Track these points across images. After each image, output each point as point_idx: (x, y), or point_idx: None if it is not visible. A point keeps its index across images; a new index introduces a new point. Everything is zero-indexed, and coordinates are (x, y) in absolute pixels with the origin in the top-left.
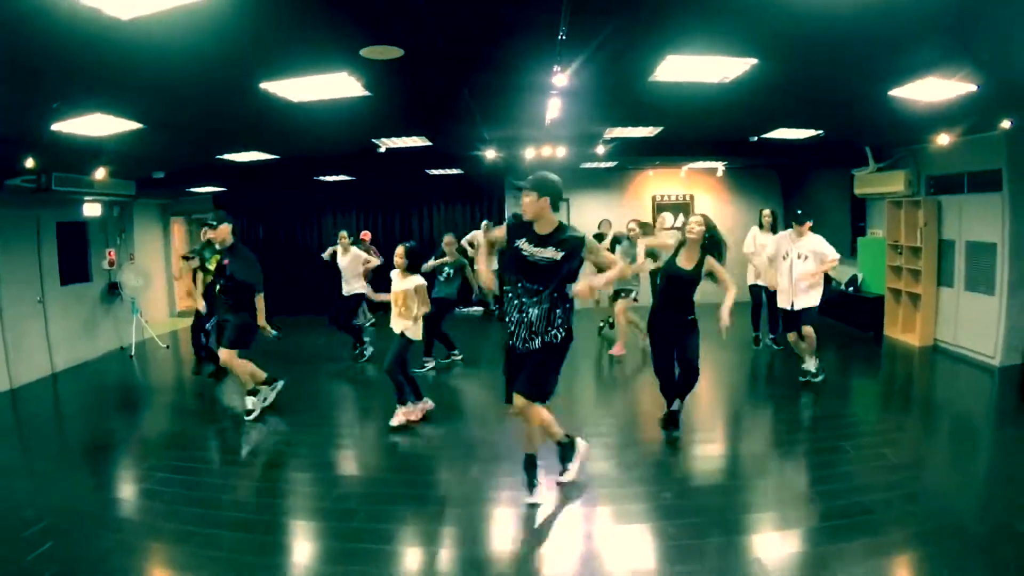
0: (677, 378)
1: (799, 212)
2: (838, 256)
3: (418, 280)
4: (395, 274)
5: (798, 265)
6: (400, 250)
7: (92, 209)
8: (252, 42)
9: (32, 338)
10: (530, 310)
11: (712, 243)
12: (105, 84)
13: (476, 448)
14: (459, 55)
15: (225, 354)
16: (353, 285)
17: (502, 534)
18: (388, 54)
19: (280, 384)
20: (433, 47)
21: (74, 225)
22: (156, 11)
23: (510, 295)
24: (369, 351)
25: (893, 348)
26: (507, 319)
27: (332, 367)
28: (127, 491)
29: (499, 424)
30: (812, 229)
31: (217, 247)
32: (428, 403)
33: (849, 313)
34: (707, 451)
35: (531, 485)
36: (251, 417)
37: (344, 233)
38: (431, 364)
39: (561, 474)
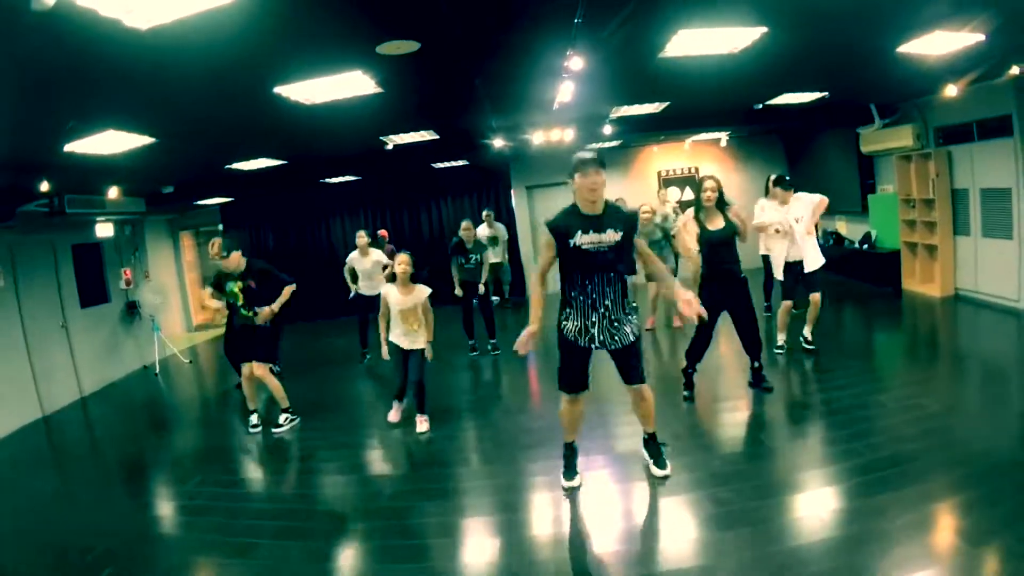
0: (745, 341)
1: (787, 179)
2: (821, 197)
3: (426, 289)
4: (394, 288)
5: (797, 228)
6: (405, 258)
7: (104, 229)
8: (267, 46)
9: (59, 363)
10: (607, 303)
11: (721, 199)
12: (120, 98)
13: (515, 436)
14: (475, 44)
15: (260, 369)
16: (377, 283)
17: (559, 516)
18: (404, 48)
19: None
20: (450, 38)
21: (89, 247)
22: (175, 19)
23: (574, 296)
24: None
25: (914, 300)
26: (574, 324)
27: (356, 368)
28: (176, 509)
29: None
30: (817, 192)
31: (234, 274)
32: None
33: (865, 270)
34: (741, 418)
35: (571, 471)
36: (279, 432)
37: (362, 233)
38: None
39: (660, 466)
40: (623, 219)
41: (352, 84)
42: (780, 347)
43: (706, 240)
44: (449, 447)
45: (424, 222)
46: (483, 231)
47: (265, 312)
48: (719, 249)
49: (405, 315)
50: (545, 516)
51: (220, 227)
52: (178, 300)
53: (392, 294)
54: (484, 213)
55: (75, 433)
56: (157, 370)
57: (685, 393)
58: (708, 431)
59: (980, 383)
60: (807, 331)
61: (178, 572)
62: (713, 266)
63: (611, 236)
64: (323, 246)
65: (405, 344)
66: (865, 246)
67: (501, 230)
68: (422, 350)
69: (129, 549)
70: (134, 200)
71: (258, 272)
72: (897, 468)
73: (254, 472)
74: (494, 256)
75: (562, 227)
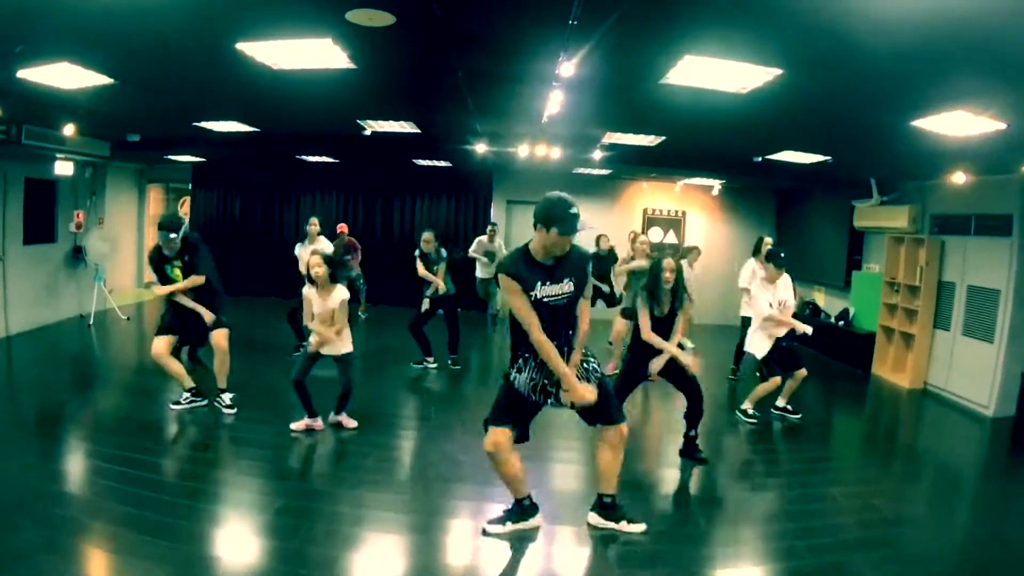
0: (688, 408)
1: (781, 255)
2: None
3: (344, 291)
4: (312, 291)
5: (782, 314)
6: (318, 260)
7: (64, 168)
8: None
9: None
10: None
11: (677, 286)
12: (69, 26)
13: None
14: (457, 31)
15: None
16: None
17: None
18: (378, 20)
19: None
20: (429, 17)
21: (43, 183)
22: None
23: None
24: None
25: (881, 387)
26: (529, 375)
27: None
28: (65, 479)
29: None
30: (803, 259)
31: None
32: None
33: (837, 348)
34: (678, 491)
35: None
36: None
37: (315, 220)
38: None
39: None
40: (576, 268)
41: (321, 54)
42: (750, 415)
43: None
44: (358, 461)
45: (396, 216)
46: (483, 242)
47: (207, 316)
48: (660, 330)
49: (322, 319)
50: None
51: (190, 186)
52: (132, 253)
53: (312, 298)
54: (489, 227)
55: None
56: (91, 321)
57: (700, 455)
58: (641, 500)
59: (940, 492)
60: (781, 402)
61: (36, 550)
62: (649, 349)
63: (567, 287)
64: (291, 222)
65: (325, 350)
66: (842, 323)
67: (499, 247)
68: (347, 356)
69: (24, 504)
70: (97, 142)
71: (191, 246)
72: None
73: (154, 450)
74: (486, 272)
75: (524, 277)
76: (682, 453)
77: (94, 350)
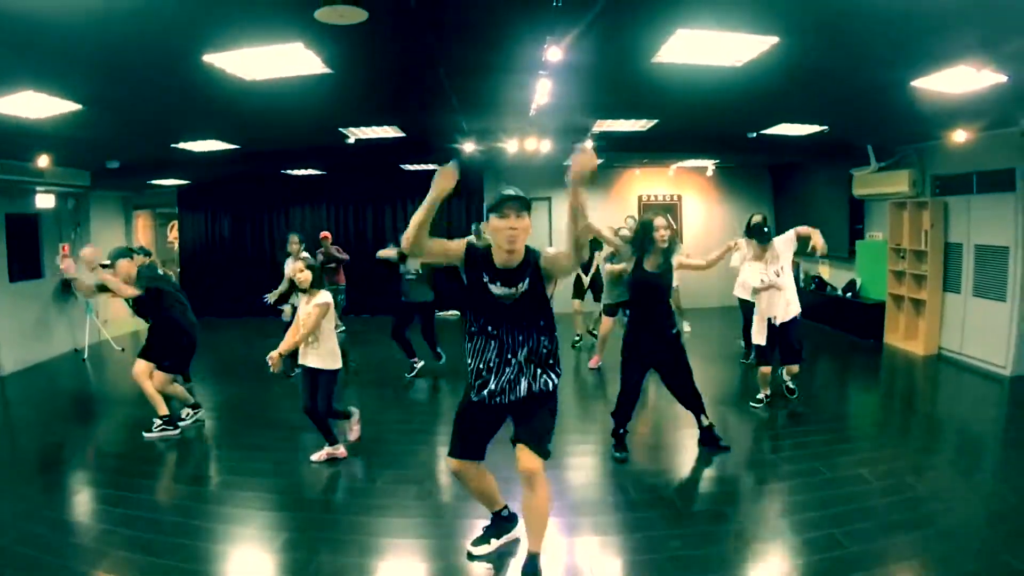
0: (682, 400)
1: (764, 229)
2: (793, 230)
3: (326, 294)
4: (302, 298)
5: (779, 282)
6: (301, 265)
7: (45, 200)
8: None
9: None
10: (514, 353)
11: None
12: (25, 52)
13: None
14: (434, 20)
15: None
16: None
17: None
18: (349, 17)
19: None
20: (403, 7)
21: (25, 217)
22: None
23: (475, 333)
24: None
25: (895, 357)
26: (474, 368)
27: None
28: (83, 512)
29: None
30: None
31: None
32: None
33: (847, 320)
34: (700, 486)
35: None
36: (150, 436)
37: (295, 238)
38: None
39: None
40: (530, 268)
41: (294, 60)
42: (759, 400)
43: (637, 281)
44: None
45: (388, 223)
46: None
47: None
48: (651, 295)
49: (306, 326)
50: None
51: (176, 210)
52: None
53: (300, 304)
54: (473, 228)
55: None
56: (86, 355)
57: (616, 455)
58: (663, 500)
59: (968, 459)
60: (787, 376)
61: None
62: (640, 316)
63: (518, 289)
64: (281, 238)
65: (312, 362)
66: (849, 294)
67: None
68: (324, 371)
69: (27, 552)
70: (75, 172)
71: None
72: (883, 566)
73: (160, 483)
74: None
75: (480, 259)
76: (701, 442)
77: (91, 384)
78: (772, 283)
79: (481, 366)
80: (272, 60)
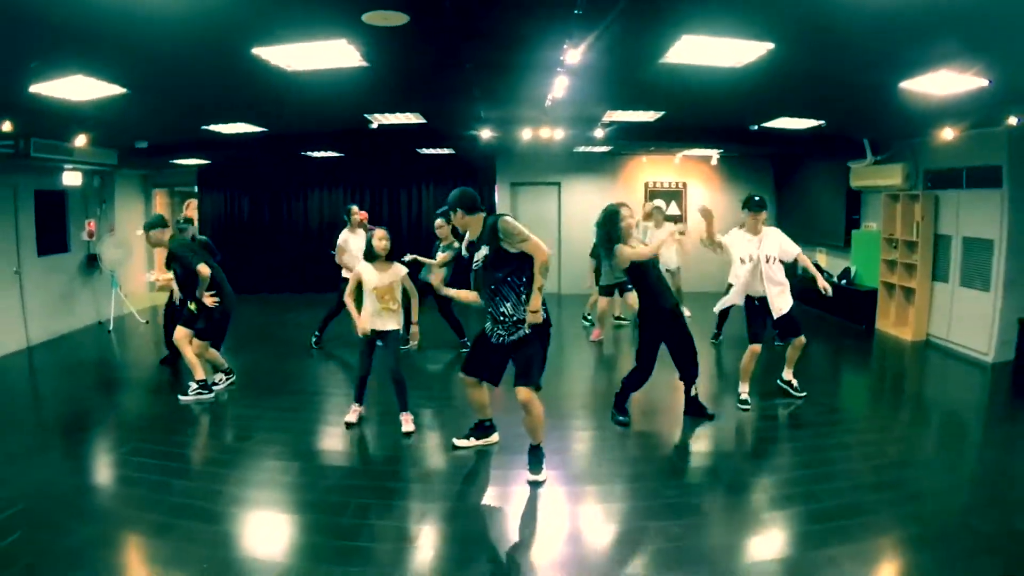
0: (681, 368)
1: (756, 198)
2: (799, 249)
3: (403, 267)
4: (370, 266)
5: (766, 270)
6: (383, 233)
7: (72, 178)
8: (245, 1)
9: (7, 310)
10: (500, 308)
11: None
12: (87, 41)
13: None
14: (467, 26)
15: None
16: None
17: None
18: (392, 20)
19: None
20: (441, 15)
21: (53, 194)
22: None
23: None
24: None
25: (885, 341)
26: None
27: (319, 350)
28: (104, 477)
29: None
30: (804, 222)
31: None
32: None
33: (841, 305)
34: (696, 448)
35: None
36: (186, 399)
37: (356, 208)
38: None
39: (537, 473)
40: (488, 236)
41: (336, 54)
42: (744, 402)
43: (631, 267)
44: (407, 444)
45: (404, 206)
46: None
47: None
48: (643, 274)
49: (381, 294)
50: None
51: (195, 188)
52: (143, 258)
53: (367, 272)
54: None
55: (15, 382)
56: (111, 327)
57: (619, 418)
58: (660, 459)
59: (947, 435)
60: (787, 374)
61: (90, 546)
62: (646, 294)
63: (482, 252)
64: (298, 219)
65: (377, 324)
66: (843, 281)
67: None
68: (395, 333)
69: (46, 513)
70: (105, 151)
71: (173, 256)
72: (847, 520)
73: (187, 448)
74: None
75: (470, 245)
76: (687, 412)
77: (116, 354)
78: (757, 264)
79: (487, 310)
80: (315, 53)
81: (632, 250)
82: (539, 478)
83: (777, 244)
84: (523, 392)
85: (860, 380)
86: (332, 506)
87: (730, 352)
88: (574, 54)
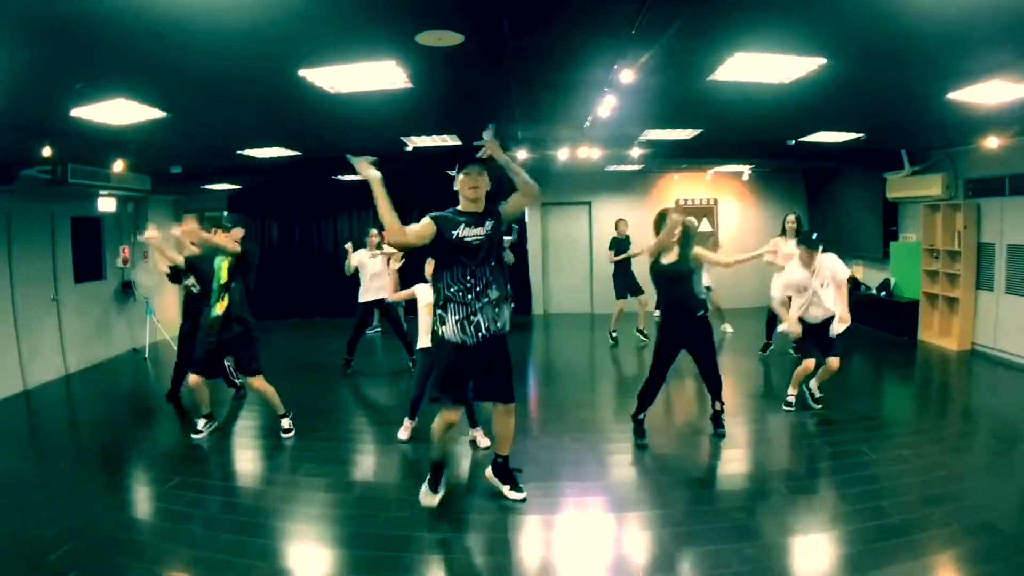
0: (709, 378)
1: (813, 236)
2: (849, 271)
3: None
4: (424, 286)
5: (823, 294)
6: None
7: (107, 204)
8: (299, 21)
9: (46, 337)
10: (489, 291)
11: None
12: (132, 63)
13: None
14: (520, 45)
15: (259, 382)
16: (382, 287)
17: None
18: (446, 40)
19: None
20: (496, 34)
21: (88, 220)
22: None
23: (455, 291)
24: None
25: (930, 352)
26: (456, 317)
27: (355, 376)
28: (153, 512)
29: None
30: (838, 236)
31: (225, 250)
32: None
33: (881, 318)
34: (735, 468)
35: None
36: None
37: (375, 231)
38: None
39: (517, 490)
40: (495, 215)
41: (382, 75)
42: (790, 403)
43: (659, 273)
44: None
45: None
46: None
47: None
48: (675, 284)
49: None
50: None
51: (225, 213)
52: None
53: (424, 291)
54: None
55: (54, 412)
56: (147, 354)
57: (638, 441)
58: (698, 480)
59: (1003, 445)
60: (814, 385)
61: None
62: (669, 303)
63: (486, 227)
64: (328, 244)
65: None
66: (883, 293)
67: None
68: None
69: (98, 553)
70: (140, 177)
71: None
72: (904, 537)
73: (234, 480)
74: None
75: (449, 220)
76: (712, 419)
77: (152, 382)
78: (814, 293)
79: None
80: (361, 75)
81: (713, 255)
82: (520, 496)
83: (830, 272)
84: (511, 407)
85: (908, 391)
86: (391, 540)
87: (776, 366)
88: (627, 74)
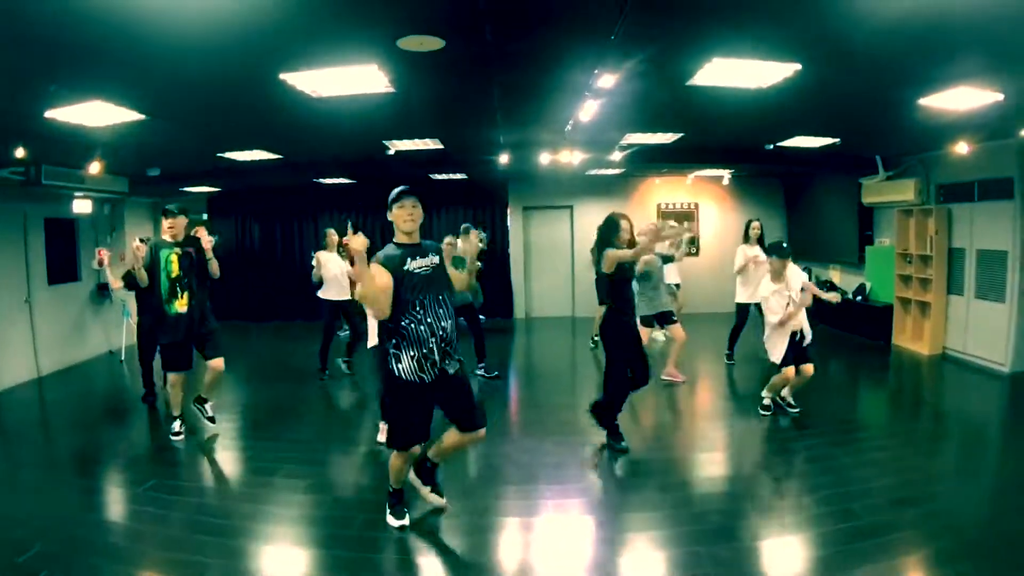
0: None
1: (784, 246)
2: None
3: None
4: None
5: (801, 300)
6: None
7: (82, 206)
8: (280, 24)
9: (17, 340)
10: (443, 322)
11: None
12: (108, 66)
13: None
14: (502, 49)
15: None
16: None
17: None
18: (427, 45)
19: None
20: (478, 39)
21: (63, 222)
22: None
23: (407, 323)
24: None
25: (902, 356)
26: (412, 354)
27: (340, 379)
28: (123, 512)
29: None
30: (815, 241)
31: (173, 242)
32: None
33: (857, 322)
34: (718, 459)
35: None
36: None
37: (332, 231)
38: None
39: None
40: (435, 249)
41: (363, 79)
42: (767, 407)
43: (619, 278)
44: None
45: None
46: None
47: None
48: (625, 287)
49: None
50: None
51: (205, 216)
52: None
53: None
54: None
55: (26, 414)
56: (123, 357)
57: (620, 445)
58: (675, 484)
59: (970, 446)
60: (787, 393)
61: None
62: (622, 307)
63: (432, 260)
64: (310, 245)
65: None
66: (859, 298)
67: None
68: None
69: (69, 554)
70: (117, 179)
71: (199, 246)
72: (876, 539)
73: (213, 482)
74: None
75: (401, 255)
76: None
77: (128, 384)
78: (798, 307)
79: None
80: (342, 79)
81: (617, 252)
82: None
83: (798, 279)
84: (480, 434)
85: (881, 395)
86: (368, 542)
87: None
88: (608, 78)
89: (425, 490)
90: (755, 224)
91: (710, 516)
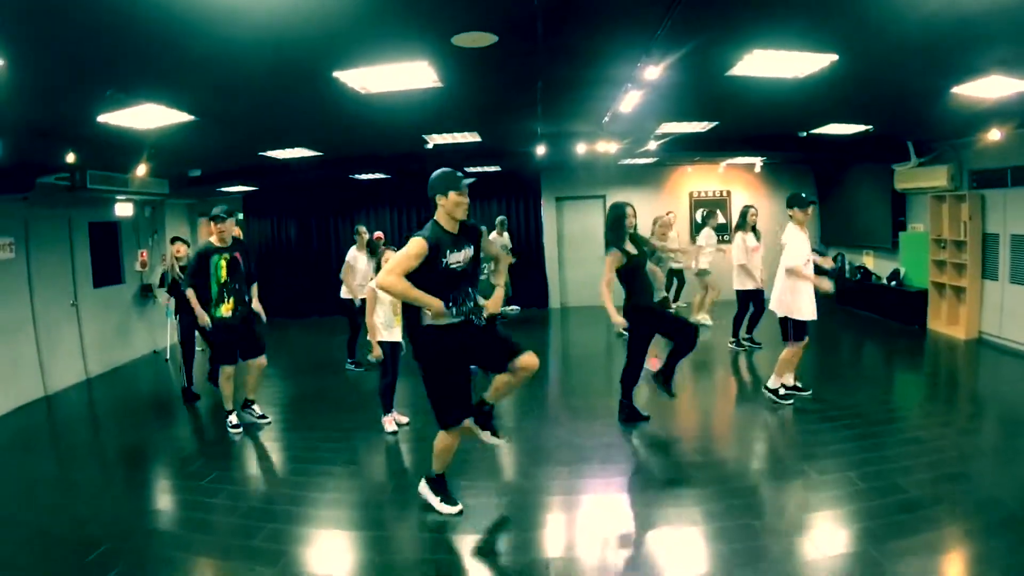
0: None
1: (802, 195)
2: None
3: None
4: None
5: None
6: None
7: (124, 209)
8: (336, 22)
9: (66, 342)
10: (465, 307)
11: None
12: (165, 68)
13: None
14: (552, 45)
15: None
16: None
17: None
18: (481, 41)
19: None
20: (530, 35)
21: (106, 225)
22: None
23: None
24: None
25: (939, 341)
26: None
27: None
28: (189, 504)
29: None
30: (849, 226)
31: (224, 247)
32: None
33: (892, 307)
34: (741, 451)
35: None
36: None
37: (363, 228)
38: None
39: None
40: (472, 234)
41: (413, 76)
42: (781, 394)
43: (630, 267)
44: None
45: None
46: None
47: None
48: (638, 273)
49: (398, 307)
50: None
51: (240, 216)
52: None
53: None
54: (499, 220)
55: (78, 415)
56: (168, 356)
57: (643, 413)
58: (704, 465)
59: (1011, 427)
60: (774, 379)
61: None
62: (638, 292)
63: (467, 253)
64: (346, 241)
65: (397, 336)
66: (893, 283)
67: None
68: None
69: (141, 550)
70: (158, 181)
71: (246, 249)
72: (912, 513)
73: (273, 473)
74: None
75: (439, 243)
76: (655, 377)
77: (174, 383)
78: (797, 268)
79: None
80: (392, 75)
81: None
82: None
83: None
84: (530, 356)
85: (919, 378)
86: (435, 526)
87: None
88: (651, 71)
89: (485, 434)
90: (752, 210)
91: (760, 490)
